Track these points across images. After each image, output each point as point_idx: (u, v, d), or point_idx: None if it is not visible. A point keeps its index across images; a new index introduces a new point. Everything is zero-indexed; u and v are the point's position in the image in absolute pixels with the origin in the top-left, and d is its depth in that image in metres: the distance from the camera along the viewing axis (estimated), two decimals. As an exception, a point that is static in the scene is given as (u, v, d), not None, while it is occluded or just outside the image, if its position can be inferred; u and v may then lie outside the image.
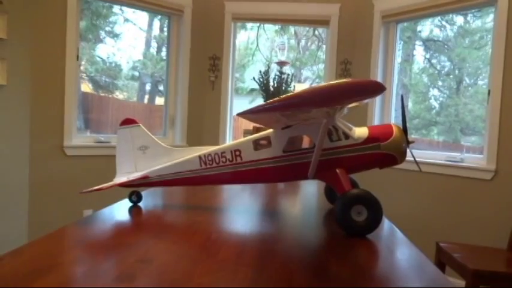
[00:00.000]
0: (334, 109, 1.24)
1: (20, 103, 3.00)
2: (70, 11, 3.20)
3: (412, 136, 1.47)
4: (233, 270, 0.90)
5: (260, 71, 4.04)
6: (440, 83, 3.94)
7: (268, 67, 4.17)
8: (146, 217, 1.46)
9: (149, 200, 1.70)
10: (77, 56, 3.35)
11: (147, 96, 4.52)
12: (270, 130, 1.47)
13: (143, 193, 1.70)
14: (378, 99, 3.69)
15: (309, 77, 7.10)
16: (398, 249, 1.20)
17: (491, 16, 3.42)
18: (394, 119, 3.76)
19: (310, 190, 2.19)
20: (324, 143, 1.36)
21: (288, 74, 4.03)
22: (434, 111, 3.91)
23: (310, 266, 0.98)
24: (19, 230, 3.11)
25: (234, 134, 4.36)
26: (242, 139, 1.52)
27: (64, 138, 3.27)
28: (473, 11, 3.47)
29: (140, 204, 1.58)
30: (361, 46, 3.83)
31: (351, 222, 1.24)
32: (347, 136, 1.40)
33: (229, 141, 4.24)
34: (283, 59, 4.37)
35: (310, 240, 1.25)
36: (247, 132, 4.14)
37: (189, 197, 1.88)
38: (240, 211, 1.61)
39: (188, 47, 3.95)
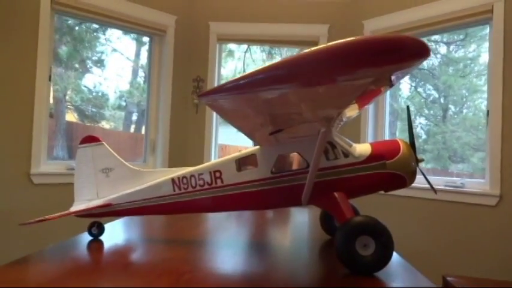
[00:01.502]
0: (337, 111, 0.99)
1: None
2: (42, 29, 2.99)
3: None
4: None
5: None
6: (426, 111, 3.89)
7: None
8: (106, 254, 1.20)
9: (114, 232, 1.44)
10: (49, 77, 3.12)
11: (133, 126, 4.33)
12: (256, 147, 1.25)
13: (108, 224, 1.44)
14: (370, 124, 3.52)
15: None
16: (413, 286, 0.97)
17: (473, 46, 3.44)
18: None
19: (303, 218, 1.95)
20: (321, 163, 1.14)
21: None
22: (421, 139, 3.84)
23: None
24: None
25: (220, 157, 4.11)
26: (223, 158, 1.29)
27: (32, 164, 2.97)
28: (456, 40, 3.48)
29: (102, 237, 1.32)
30: (351, 68, 3.68)
31: (356, 257, 1.00)
32: (346, 154, 1.19)
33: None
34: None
35: (305, 281, 1.01)
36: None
37: (162, 228, 1.62)
38: (222, 244, 1.35)
39: (171, 68, 3.76)
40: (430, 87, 3.81)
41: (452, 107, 3.74)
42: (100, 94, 3.93)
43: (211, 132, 3.89)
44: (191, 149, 3.88)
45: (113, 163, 1.36)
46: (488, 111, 2.82)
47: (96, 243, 1.27)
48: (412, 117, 3.73)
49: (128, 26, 3.55)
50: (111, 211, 1.31)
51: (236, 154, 1.26)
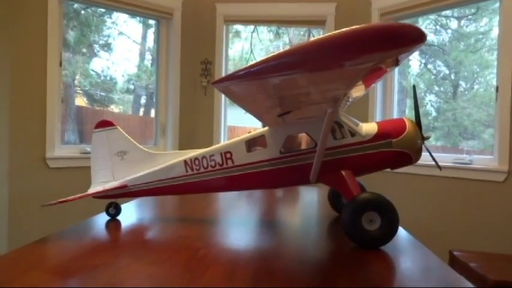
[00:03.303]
0: (343, 92, 1.02)
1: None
2: (51, 15, 3.02)
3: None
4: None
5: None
6: (436, 88, 3.84)
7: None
8: (123, 233, 1.26)
9: (130, 212, 1.51)
10: (60, 63, 3.16)
11: (142, 109, 4.38)
12: (265, 128, 1.29)
13: (124, 205, 1.50)
14: (378, 103, 3.52)
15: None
16: (419, 261, 1.01)
17: (485, 20, 3.37)
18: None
19: (312, 196, 2.00)
20: (328, 142, 1.18)
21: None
22: (431, 116, 3.80)
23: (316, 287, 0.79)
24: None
25: (229, 138, 4.16)
26: (233, 140, 1.33)
27: (46, 149, 3.06)
28: (468, 14, 3.41)
29: (119, 217, 1.38)
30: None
31: (362, 231, 1.05)
32: (353, 133, 1.22)
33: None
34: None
35: (315, 255, 1.06)
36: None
37: (177, 207, 1.68)
38: (234, 222, 1.41)
39: (178, 51, 3.77)
40: (441, 63, 3.76)
41: (463, 84, 3.69)
42: (108, 78, 3.97)
43: (220, 113, 3.92)
44: (201, 130, 3.93)
45: (127, 146, 1.40)
46: (497, 87, 2.80)
47: (113, 223, 1.33)
48: (422, 94, 3.74)
49: (134, 9, 3.56)
50: (127, 192, 1.37)
51: (246, 135, 1.30)
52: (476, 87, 3.54)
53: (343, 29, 0.73)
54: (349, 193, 1.14)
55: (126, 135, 1.41)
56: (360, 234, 1.05)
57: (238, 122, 4.72)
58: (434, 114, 3.85)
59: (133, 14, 3.76)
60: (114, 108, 4.11)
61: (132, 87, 4.16)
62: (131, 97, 4.24)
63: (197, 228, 1.26)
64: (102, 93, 3.98)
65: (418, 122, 1.27)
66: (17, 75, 2.93)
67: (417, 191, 3.20)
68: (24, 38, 2.97)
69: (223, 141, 3.92)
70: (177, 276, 0.83)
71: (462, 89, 3.66)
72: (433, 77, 3.81)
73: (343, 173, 1.19)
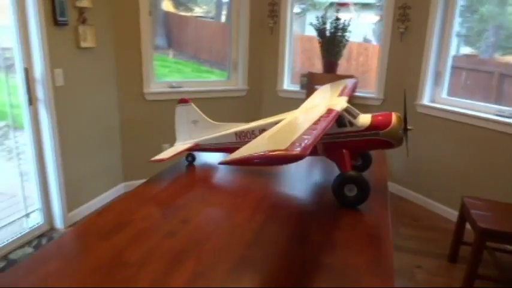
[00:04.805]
0: None
1: (107, 60, 3.60)
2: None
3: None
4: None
5: (317, 16, 4.12)
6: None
7: (326, 11, 4.21)
8: (199, 175, 1.95)
9: (202, 160, 2.19)
10: (149, 12, 3.78)
11: (224, 12, 4.77)
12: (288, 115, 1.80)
13: (198, 155, 2.18)
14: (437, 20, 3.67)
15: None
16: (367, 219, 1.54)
17: None
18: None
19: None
20: (333, 129, 1.68)
21: (345, 20, 4.06)
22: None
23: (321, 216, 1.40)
24: (115, 158, 3.93)
25: (292, 78, 4.62)
26: (269, 120, 1.87)
27: (143, 86, 3.87)
28: None
29: (195, 163, 2.07)
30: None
31: (344, 196, 1.59)
32: (351, 123, 1.70)
33: (286, 84, 4.54)
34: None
35: (311, 204, 1.65)
36: (304, 76, 4.39)
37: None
38: (291, 177, 1.97)
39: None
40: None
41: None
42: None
43: (284, 52, 4.33)
44: (267, 69, 4.43)
45: (198, 117, 2.03)
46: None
47: (191, 167, 2.03)
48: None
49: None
50: (199, 148, 2.04)
51: (277, 119, 1.83)
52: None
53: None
54: (343, 167, 1.65)
55: (197, 109, 2.04)
56: (342, 198, 1.60)
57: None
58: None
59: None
60: (198, 10, 4.52)
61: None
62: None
63: (259, 178, 1.88)
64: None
65: (404, 117, 1.69)
66: (118, 30, 3.66)
67: (459, 139, 3.48)
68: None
69: (287, 76, 4.40)
70: (237, 215, 1.49)
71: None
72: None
73: (344, 151, 1.70)
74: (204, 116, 2.05)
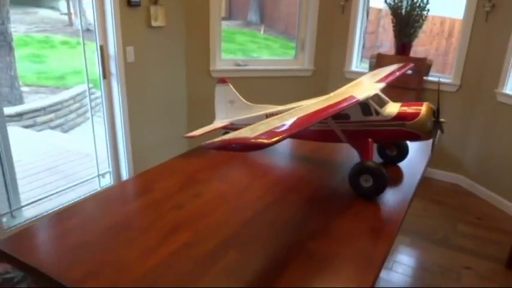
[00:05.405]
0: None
1: (177, 39, 3.84)
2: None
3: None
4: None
5: (392, -7, 3.86)
6: None
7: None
8: (229, 155, 2.05)
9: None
10: (220, -7, 3.93)
11: None
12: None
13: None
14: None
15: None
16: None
17: None
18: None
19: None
20: (358, 116, 1.63)
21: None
22: None
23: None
24: (181, 131, 4.23)
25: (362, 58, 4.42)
26: (300, 104, 1.87)
27: (210, 64, 4.06)
28: None
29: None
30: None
31: (359, 186, 1.55)
32: (377, 112, 1.62)
33: (355, 65, 4.36)
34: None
35: (327, 191, 1.64)
36: (372, 57, 4.20)
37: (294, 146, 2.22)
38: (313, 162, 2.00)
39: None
40: None
41: None
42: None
43: (354, 34, 4.15)
44: (335, 48, 4.30)
45: (235, 97, 2.11)
46: None
47: (226, 145, 2.13)
48: None
49: None
50: (233, 127, 2.13)
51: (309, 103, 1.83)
52: None
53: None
54: (363, 156, 1.62)
55: (234, 89, 2.12)
56: (357, 187, 1.57)
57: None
58: None
59: None
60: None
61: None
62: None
63: (287, 162, 1.94)
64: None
65: (437, 109, 1.57)
66: (188, 9, 3.85)
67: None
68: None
69: (357, 57, 4.23)
70: (247, 194, 1.57)
71: None
72: None
73: (369, 140, 1.65)
74: (240, 96, 2.12)
